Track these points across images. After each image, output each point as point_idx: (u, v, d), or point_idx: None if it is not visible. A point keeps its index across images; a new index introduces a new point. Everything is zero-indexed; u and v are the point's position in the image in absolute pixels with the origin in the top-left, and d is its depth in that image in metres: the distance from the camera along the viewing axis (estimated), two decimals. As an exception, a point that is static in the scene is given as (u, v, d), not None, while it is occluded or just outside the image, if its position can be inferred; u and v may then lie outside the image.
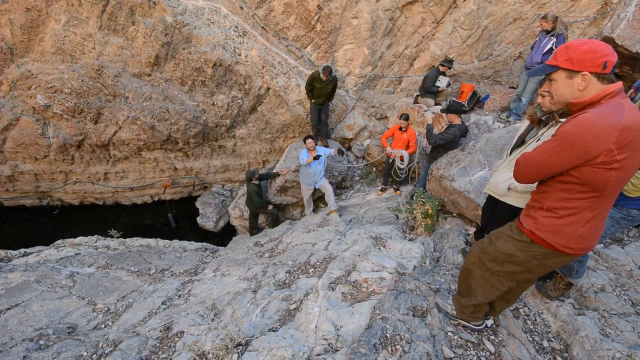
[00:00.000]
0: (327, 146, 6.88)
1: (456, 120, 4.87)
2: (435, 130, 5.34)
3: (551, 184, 1.49)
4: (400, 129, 5.71)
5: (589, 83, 1.35)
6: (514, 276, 1.77)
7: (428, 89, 6.66)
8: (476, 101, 6.76)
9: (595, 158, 1.26)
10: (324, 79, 5.94)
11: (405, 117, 5.63)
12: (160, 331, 2.58)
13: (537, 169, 1.46)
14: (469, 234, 4.08)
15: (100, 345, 2.47)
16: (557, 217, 1.48)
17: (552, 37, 4.79)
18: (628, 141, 1.24)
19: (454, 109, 4.92)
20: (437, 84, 6.56)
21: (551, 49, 4.81)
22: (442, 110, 6.49)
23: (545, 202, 1.53)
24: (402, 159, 5.65)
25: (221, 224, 7.96)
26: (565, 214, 1.46)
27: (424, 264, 3.35)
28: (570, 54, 1.37)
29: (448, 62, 6.34)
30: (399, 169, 5.80)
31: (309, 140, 5.80)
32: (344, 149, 6.43)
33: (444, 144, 4.87)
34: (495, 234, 1.81)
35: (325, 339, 2.17)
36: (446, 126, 5.06)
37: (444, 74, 6.51)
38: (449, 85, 6.65)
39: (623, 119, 1.23)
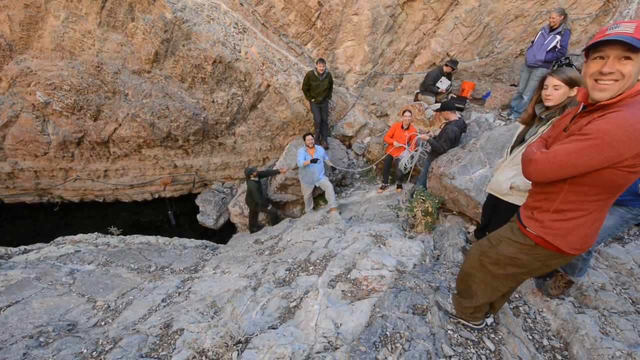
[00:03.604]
0: (327, 148, 6.86)
1: (452, 116, 4.81)
2: (435, 130, 5.30)
3: (560, 185, 1.39)
4: (402, 126, 5.68)
5: None
6: (515, 277, 1.75)
7: (428, 88, 6.63)
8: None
9: (624, 160, 1.18)
10: (320, 70, 5.92)
11: (410, 113, 5.58)
12: (160, 329, 2.58)
13: (561, 169, 1.31)
14: (469, 232, 4.07)
15: (100, 343, 2.47)
16: (565, 220, 1.42)
17: (556, 35, 4.75)
18: None
19: (445, 106, 4.88)
20: (438, 84, 6.52)
21: (555, 47, 4.77)
22: (435, 110, 6.47)
23: (552, 204, 1.45)
24: (408, 161, 5.59)
25: (221, 221, 7.96)
26: (573, 216, 1.40)
27: (424, 262, 3.35)
28: None
29: (453, 63, 6.29)
30: (405, 168, 5.71)
31: (309, 137, 5.79)
32: (336, 167, 6.53)
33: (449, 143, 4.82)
34: (496, 237, 1.76)
35: (325, 337, 2.17)
36: (443, 124, 5.00)
37: (447, 74, 6.48)
38: (449, 87, 6.62)
39: None
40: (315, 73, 5.99)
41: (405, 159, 5.57)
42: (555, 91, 2.09)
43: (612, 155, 1.19)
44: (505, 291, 1.85)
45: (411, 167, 5.70)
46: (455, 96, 6.78)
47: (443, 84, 6.50)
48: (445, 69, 6.39)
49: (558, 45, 4.74)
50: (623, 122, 1.16)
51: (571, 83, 2.05)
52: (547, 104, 2.17)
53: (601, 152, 1.20)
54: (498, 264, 1.73)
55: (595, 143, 1.21)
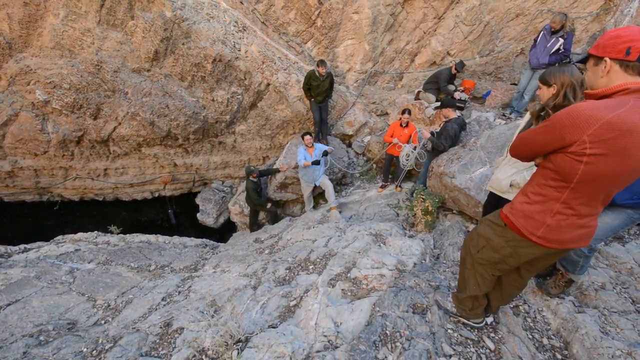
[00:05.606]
0: (327, 145, 6.85)
1: (451, 114, 4.80)
2: (435, 127, 5.28)
3: (538, 169, 1.52)
4: (401, 125, 5.67)
5: (609, 70, 1.29)
6: (495, 265, 1.77)
7: (444, 89, 6.56)
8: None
9: (569, 146, 1.27)
10: (322, 71, 5.88)
11: (408, 112, 5.57)
12: (160, 327, 2.58)
13: (524, 144, 1.50)
14: (469, 231, 4.07)
15: (100, 341, 2.47)
16: (530, 203, 1.51)
17: (559, 38, 4.75)
18: (606, 138, 1.18)
19: (445, 103, 4.86)
20: (458, 96, 6.45)
21: (558, 49, 4.77)
22: (435, 108, 6.44)
23: (527, 186, 1.56)
24: (407, 156, 5.53)
25: (221, 220, 7.96)
26: (536, 199, 1.48)
27: (424, 261, 3.34)
28: (599, 40, 1.33)
29: (459, 66, 6.26)
30: (404, 165, 5.67)
31: (307, 137, 5.77)
32: (327, 151, 6.22)
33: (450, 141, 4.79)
34: (481, 219, 1.85)
35: (325, 336, 2.17)
36: (443, 123, 4.98)
37: (454, 76, 6.46)
38: (466, 100, 6.57)
39: (610, 115, 1.17)
40: (317, 74, 5.95)
41: (404, 155, 5.52)
42: (540, 90, 2.24)
43: (555, 136, 1.31)
44: (490, 279, 1.86)
45: (410, 164, 5.62)
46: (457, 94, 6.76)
47: (462, 96, 6.48)
48: (453, 70, 6.36)
49: (561, 48, 4.76)
50: (573, 109, 1.26)
51: (545, 82, 2.16)
52: (540, 102, 2.30)
53: (547, 132, 1.35)
54: (477, 246, 1.80)
55: (546, 124, 1.36)
